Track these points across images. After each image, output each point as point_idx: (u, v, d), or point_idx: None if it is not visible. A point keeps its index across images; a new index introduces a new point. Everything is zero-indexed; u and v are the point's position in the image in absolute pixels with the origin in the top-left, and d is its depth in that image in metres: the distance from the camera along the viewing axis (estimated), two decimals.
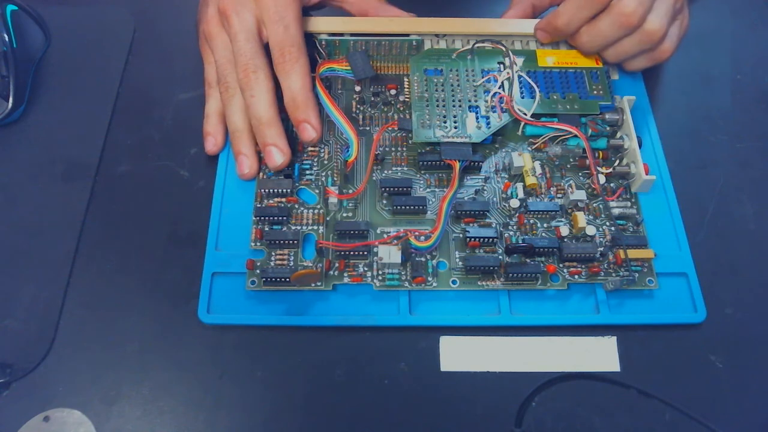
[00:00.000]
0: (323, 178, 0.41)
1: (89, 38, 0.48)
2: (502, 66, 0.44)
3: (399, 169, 0.42)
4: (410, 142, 0.42)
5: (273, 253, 0.39)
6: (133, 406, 0.35)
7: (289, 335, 0.37)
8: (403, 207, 0.40)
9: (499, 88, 0.42)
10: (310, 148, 0.42)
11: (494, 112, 0.42)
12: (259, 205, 0.40)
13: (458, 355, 0.37)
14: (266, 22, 0.40)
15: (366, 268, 0.38)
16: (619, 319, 0.38)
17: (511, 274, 0.38)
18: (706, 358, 0.37)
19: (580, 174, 0.42)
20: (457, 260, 0.39)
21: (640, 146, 0.41)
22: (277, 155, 0.39)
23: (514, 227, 0.40)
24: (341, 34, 0.44)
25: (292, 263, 0.38)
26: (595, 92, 0.43)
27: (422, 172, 0.42)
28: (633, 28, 0.40)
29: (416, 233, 0.38)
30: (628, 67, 0.44)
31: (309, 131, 0.39)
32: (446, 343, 0.37)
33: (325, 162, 0.42)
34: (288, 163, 0.40)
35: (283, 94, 0.40)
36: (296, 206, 0.40)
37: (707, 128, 0.46)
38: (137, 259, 0.39)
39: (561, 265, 0.39)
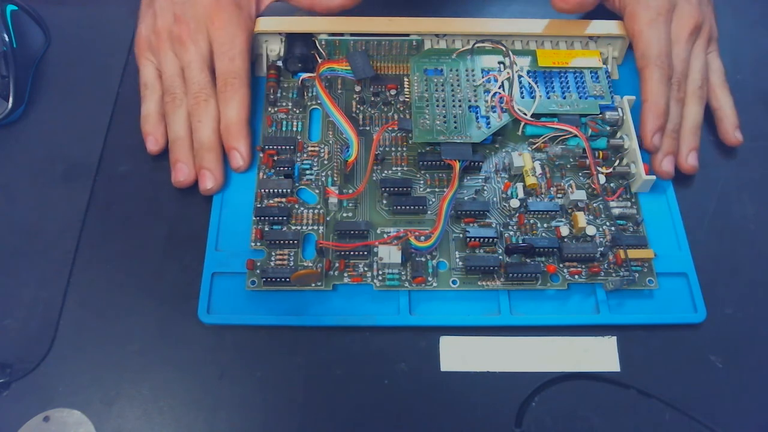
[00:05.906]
0: (323, 178, 0.41)
1: (89, 38, 0.48)
2: (502, 66, 0.44)
3: (399, 169, 0.42)
4: (410, 142, 0.42)
5: (273, 253, 0.39)
6: (133, 406, 0.35)
7: (289, 335, 0.37)
8: (403, 207, 0.40)
9: (499, 88, 0.42)
10: (310, 148, 0.42)
11: (494, 112, 0.42)
12: (259, 205, 0.40)
13: (458, 355, 0.37)
14: (215, 52, 0.42)
15: (366, 268, 0.38)
16: (619, 319, 0.38)
17: (511, 274, 0.38)
18: (706, 358, 0.37)
19: (580, 174, 0.42)
20: (457, 260, 0.39)
21: (640, 146, 0.41)
22: (209, 180, 0.40)
23: (514, 227, 0.40)
24: (341, 34, 0.44)
25: (292, 263, 0.38)
26: (595, 92, 0.43)
27: (422, 172, 0.42)
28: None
29: (416, 233, 0.38)
30: None
31: (237, 159, 0.41)
32: (446, 343, 0.37)
33: (325, 162, 0.42)
34: (216, 190, 0.41)
35: (221, 120, 0.41)
36: (296, 206, 0.40)
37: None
38: (137, 259, 0.39)
39: (561, 265, 0.39)
